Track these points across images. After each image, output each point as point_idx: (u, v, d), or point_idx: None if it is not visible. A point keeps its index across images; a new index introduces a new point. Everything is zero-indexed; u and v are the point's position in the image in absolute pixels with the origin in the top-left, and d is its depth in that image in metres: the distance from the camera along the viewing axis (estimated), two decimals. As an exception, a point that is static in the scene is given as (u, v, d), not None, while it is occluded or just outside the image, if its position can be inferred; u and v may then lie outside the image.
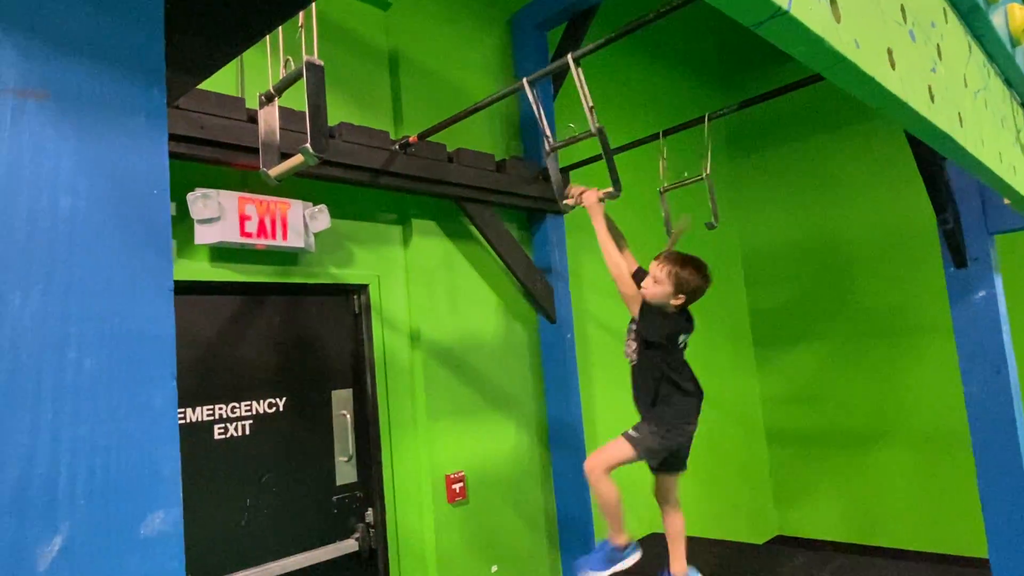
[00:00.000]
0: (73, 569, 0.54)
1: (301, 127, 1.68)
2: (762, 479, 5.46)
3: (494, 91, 2.87)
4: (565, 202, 2.44)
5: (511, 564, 3.37)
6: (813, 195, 5.28)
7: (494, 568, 3.29)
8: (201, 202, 2.45)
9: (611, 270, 2.38)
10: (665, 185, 2.98)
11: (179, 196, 2.42)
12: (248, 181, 2.61)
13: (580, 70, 2.19)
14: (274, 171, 1.60)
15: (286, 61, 1.56)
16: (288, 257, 2.79)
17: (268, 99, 1.62)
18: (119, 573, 0.56)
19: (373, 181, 2.81)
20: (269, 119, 1.61)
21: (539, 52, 3.89)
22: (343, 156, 2.67)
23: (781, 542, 5.29)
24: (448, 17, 3.63)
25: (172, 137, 2.15)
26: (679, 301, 2.35)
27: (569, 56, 2.21)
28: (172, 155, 1.90)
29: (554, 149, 2.37)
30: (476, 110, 2.69)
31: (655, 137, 3.04)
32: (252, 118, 2.39)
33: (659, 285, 2.34)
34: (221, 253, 2.60)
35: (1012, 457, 2.31)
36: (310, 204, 2.75)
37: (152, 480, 0.60)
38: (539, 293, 3.56)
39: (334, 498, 2.90)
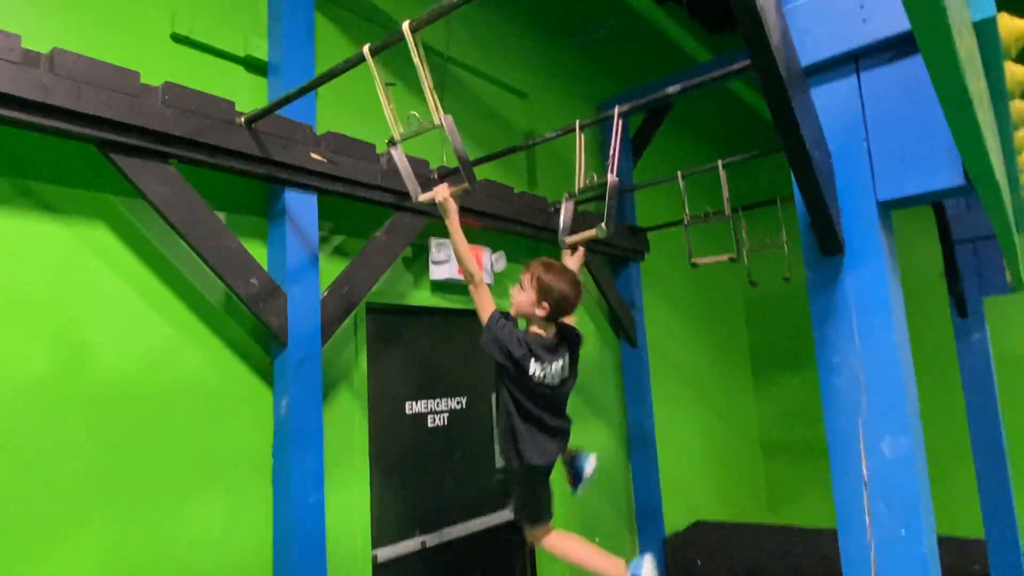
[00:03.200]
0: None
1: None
2: (758, 482, 6.52)
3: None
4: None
5: (604, 540, 4.24)
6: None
7: (596, 540, 4.15)
8: (435, 248, 3.30)
9: (467, 265, 2.16)
10: (688, 219, 3.53)
11: (415, 243, 3.23)
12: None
13: (620, 121, 2.64)
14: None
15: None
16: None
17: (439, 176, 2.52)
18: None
19: (524, 232, 3.69)
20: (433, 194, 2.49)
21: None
22: (517, 214, 3.56)
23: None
24: (561, 103, 4.60)
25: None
26: (544, 312, 2.20)
27: (615, 109, 2.90)
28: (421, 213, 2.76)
29: (571, 195, 2.70)
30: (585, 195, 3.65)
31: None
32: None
33: (523, 292, 2.22)
34: (438, 285, 3.43)
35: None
36: (490, 249, 3.62)
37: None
38: (626, 323, 4.52)
39: (495, 478, 3.72)
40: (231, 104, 2.33)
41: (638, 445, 4.57)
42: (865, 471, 1.15)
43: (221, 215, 2.44)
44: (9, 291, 1.99)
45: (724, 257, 3.51)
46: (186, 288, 2.39)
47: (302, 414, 2.45)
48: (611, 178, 2.29)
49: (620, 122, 2.44)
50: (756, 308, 6.75)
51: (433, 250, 3.29)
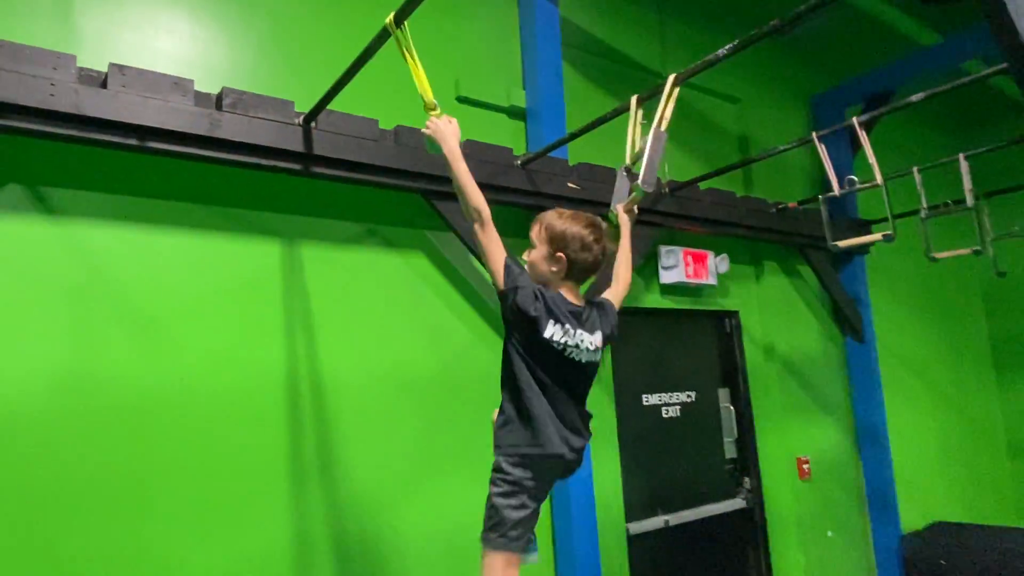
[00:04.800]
0: None
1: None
2: (1003, 485, 5.97)
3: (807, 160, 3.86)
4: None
5: (839, 531, 4.28)
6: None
7: (829, 534, 4.22)
8: (665, 255, 3.63)
9: (471, 199, 1.70)
10: (926, 211, 3.40)
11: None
12: (684, 238, 3.76)
13: (863, 132, 2.92)
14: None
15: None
16: (697, 290, 3.92)
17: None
18: None
19: (745, 234, 3.88)
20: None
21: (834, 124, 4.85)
22: (740, 218, 3.76)
23: None
24: (773, 104, 4.68)
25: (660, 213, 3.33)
26: (560, 266, 1.73)
27: (855, 120, 2.97)
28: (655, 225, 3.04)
29: (828, 198, 3.08)
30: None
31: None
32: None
33: (533, 250, 1.79)
34: (667, 288, 3.75)
35: None
36: (713, 253, 3.86)
37: None
38: (852, 318, 4.49)
39: (724, 467, 3.96)
40: (510, 151, 2.86)
41: (868, 440, 4.52)
42: None
43: (501, 240, 2.98)
44: (354, 306, 2.65)
45: (967, 250, 3.39)
46: (479, 301, 2.97)
47: (572, 403, 2.92)
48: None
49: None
50: (998, 299, 6.17)
51: (663, 256, 3.62)
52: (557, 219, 1.78)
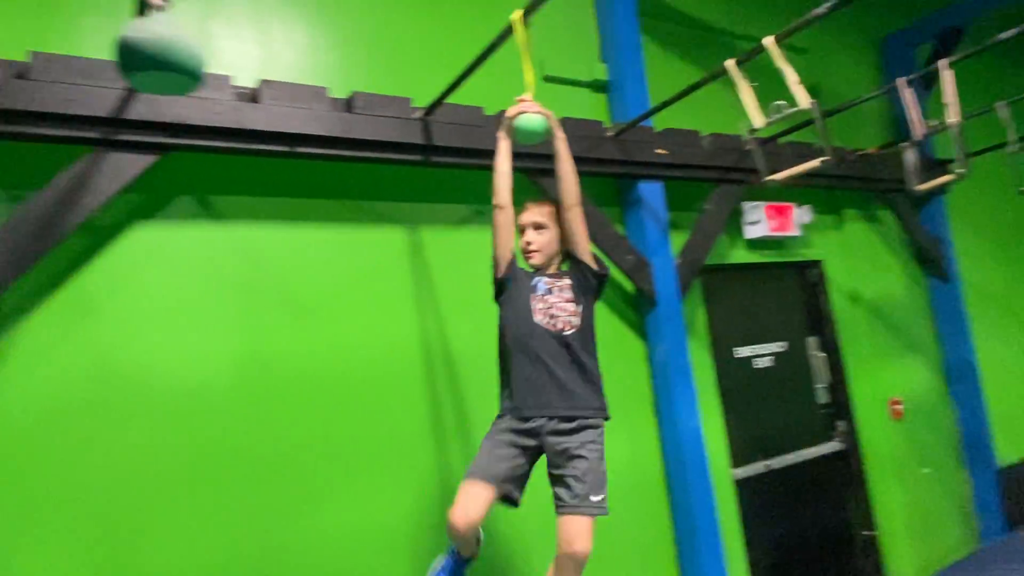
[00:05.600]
0: None
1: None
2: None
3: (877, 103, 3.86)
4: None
5: (936, 467, 4.35)
6: None
7: (926, 471, 4.30)
8: (749, 211, 3.73)
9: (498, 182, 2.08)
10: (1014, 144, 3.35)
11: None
12: (765, 193, 3.85)
13: (949, 72, 2.85)
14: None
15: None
16: (781, 243, 4.01)
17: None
18: None
19: (827, 184, 3.93)
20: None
21: (906, 65, 4.80)
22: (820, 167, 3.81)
23: None
24: (840, 50, 4.67)
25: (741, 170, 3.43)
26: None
27: (940, 63, 2.89)
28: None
29: (914, 143, 3.07)
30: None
31: None
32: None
33: (546, 231, 2.10)
34: (752, 243, 3.86)
35: None
36: (797, 204, 3.94)
37: None
38: (936, 259, 4.50)
39: (818, 412, 4.08)
40: (600, 124, 3.02)
41: (958, 379, 4.55)
42: None
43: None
44: (467, 281, 2.86)
45: None
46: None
47: (675, 357, 3.10)
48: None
49: (949, 75, 2.50)
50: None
51: (746, 213, 3.73)
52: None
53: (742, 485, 3.55)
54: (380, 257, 2.66)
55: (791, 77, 2.22)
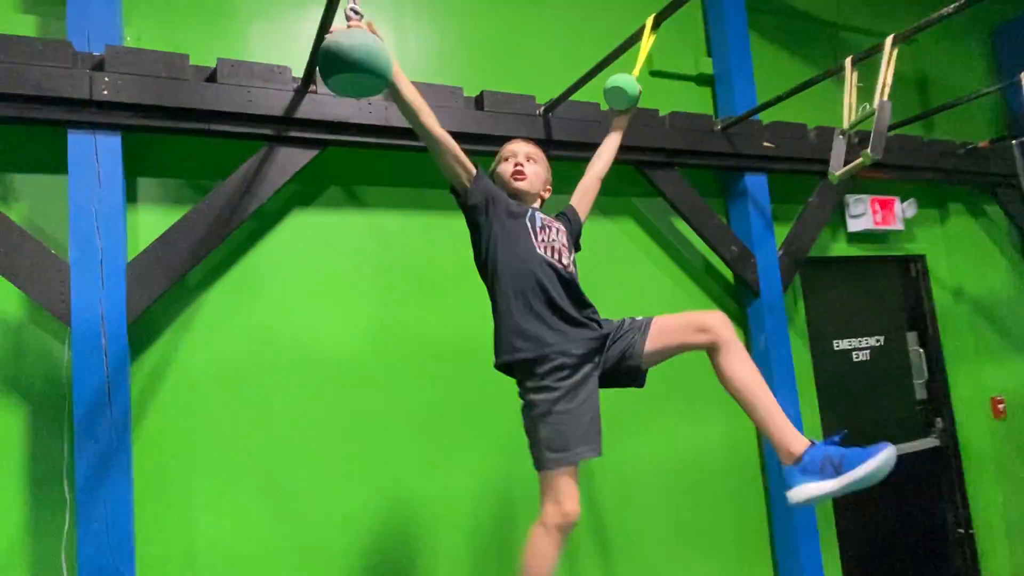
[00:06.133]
0: None
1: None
2: None
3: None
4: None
5: (1040, 471, 4.25)
6: None
7: (1028, 472, 4.20)
8: (853, 204, 3.73)
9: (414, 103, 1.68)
10: None
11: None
12: (870, 186, 3.83)
13: (893, 52, 2.45)
14: (840, 171, 2.57)
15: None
16: (883, 237, 3.97)
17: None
18: None
19: (934, 178, 3.87)
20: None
21: (1018, 57, 4.61)
22: (929, 162, 3.76)
23: None
24: (950, 41, 4.54)
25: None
26: (548, 193, 2.06)
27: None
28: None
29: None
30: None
31: None
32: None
33: (541, 169, 1.99)
34: (855, 236, 3.85)
35: None
36: (900, 198, 3.89)
37: None
38: (1047, 256, 4.35)
39: (916, 408, 4.05)
40: (710, 117, 3.10)
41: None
42: None
43: (701, 201, 3.25)
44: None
45: None
46: (681, 258, 3.27)
47: (777, 347, 3.17)
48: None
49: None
50: None
51: (851, 206, 3.73)
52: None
53: (837, 475, 3.58)
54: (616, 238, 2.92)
55: (883, 79, 2.23)
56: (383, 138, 2.42)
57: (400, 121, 2.40)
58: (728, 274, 3.34)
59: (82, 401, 1.92)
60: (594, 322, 1.75)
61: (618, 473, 2.95)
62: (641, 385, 1.80)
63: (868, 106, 2.39)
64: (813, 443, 1.57)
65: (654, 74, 3.37)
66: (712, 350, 1.69)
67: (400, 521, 2.48)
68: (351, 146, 2.40)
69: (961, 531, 3.97)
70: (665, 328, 1.73)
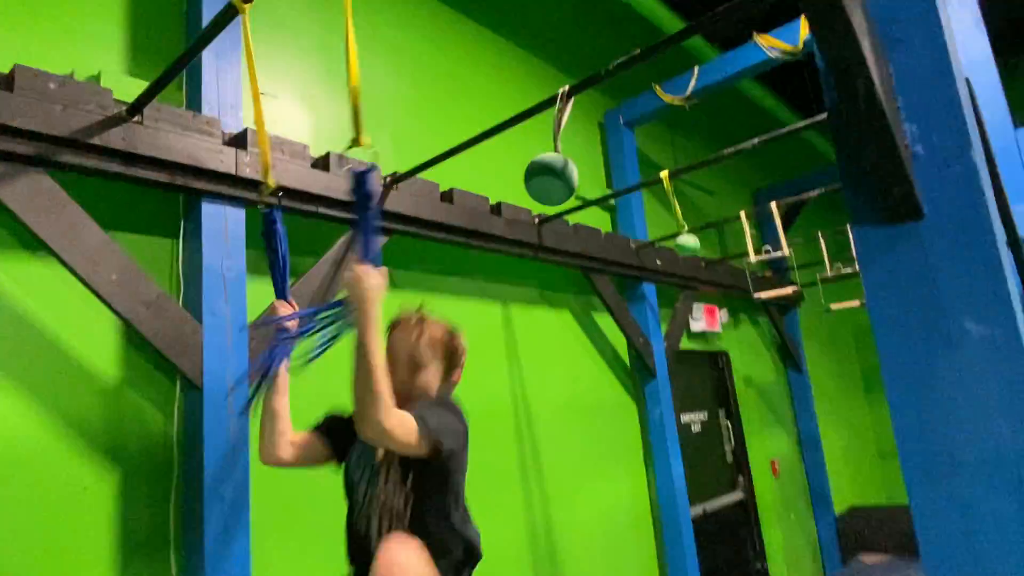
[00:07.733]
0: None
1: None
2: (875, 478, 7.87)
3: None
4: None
5: (797, 514, 5.73)
6: None
7: (792, 517, 5.65)
8: (695, 309, 4.94)
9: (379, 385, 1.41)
10: (828, 274, 5.39)
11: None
12: (704, 297, 5.09)
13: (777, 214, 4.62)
14: (763, 295, 4.05)
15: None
16: (707, 337, 5.24)
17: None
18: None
19: (729, 293, 5.32)
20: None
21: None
22: (728, 279, 5.18)
23: None
24: (732, 195, 6.25)
25: (695, 279, 4.65)
26: (458, 378, 1.81)
27: (772, 204, 4.64)
28: (689, 287, 4.41)
29: (756, 259, 4.70)
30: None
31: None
32: (726, 269, 4.92)
33: (426, 370, 1.68)
34: (692, 335, 5.04)
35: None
36: (718, 308, 5.24)
37: None
38: (794, 355, 6.07)
39: (727, 468, 5.27)
40: (627, 238, 4.02)
41: (808, 447, 6.08)
42: None
43: (613, 301, 4.11)
44: (534, 349, 3.65)
45: (855, 303, 4.98)
46: (598, 344, 4.05)
47: (667, 419, 4.07)
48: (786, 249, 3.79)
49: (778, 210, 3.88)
50: (865, 336, 8.23)
51: (694, 311, 4.93)
52: (450, 334, 1.73)
53: (695, 521, 4.54)
54: (488, 324, 3.35)
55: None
56: (435, 232, 2.83)
57: (450, 218, 2.85)
58: (626, 359, 4.20)
59: (212, 461, 1.95)
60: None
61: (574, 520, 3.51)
62: None
63: (769, 247, 3.50)
64: None
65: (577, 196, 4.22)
66: None
67: None
68: (410, 236, 2.77)
69: (759, 566, 5.19)
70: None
